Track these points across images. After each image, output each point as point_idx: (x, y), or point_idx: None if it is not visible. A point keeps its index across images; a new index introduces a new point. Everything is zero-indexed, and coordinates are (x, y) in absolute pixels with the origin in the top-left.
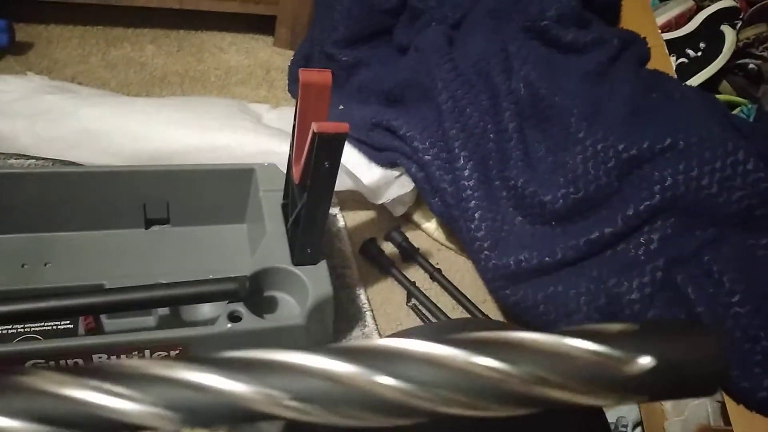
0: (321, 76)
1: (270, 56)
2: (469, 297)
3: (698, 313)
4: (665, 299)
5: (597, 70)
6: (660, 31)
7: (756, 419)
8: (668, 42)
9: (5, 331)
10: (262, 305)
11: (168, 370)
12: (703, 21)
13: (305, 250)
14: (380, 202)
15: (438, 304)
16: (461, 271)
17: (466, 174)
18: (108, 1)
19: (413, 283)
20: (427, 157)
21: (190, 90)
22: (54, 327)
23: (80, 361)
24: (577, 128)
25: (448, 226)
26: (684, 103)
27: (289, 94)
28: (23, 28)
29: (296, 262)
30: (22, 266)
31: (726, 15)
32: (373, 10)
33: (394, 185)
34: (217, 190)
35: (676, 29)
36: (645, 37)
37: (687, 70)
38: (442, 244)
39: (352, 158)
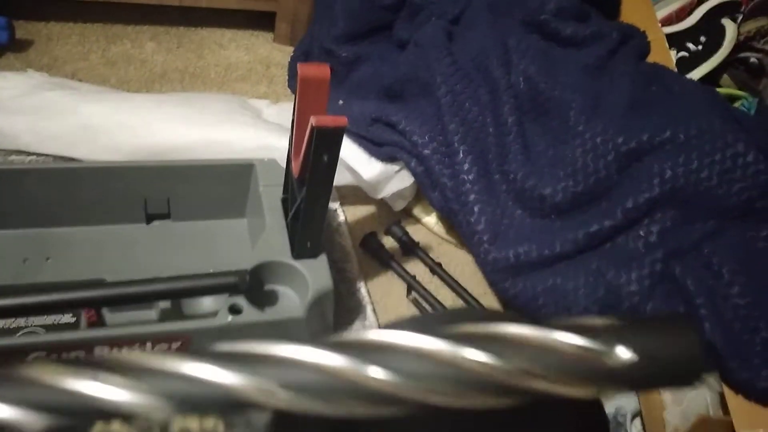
0: (319, 70)
1: (270, 52)
2: (469, 290)
3: (697, 305)
4: (664, 291)
5: (596, 64)
6: (660, 24)
7: (755, 409)
8: (669, 36)
9: (8, 326)
10: (262, 299)
11: (161, 362)
12: (703, 14)
13: (305, 244)
14: (380, 196)
15: (438, 298)
16: (461, 264)
17: (466, 168)
18: None
19: (413, 277)
20: (426, 151)
21: (190, 87)
22: (56, 321)
23: (82, 354)
24: (576, 121)
25: (448, 219)
26: (684, 96)
27: (289, 90)
28: (23, 25)
29: (296, 256)
30: (24, 261)
31: (727, 8)
32: (373, 5)
33: (393, 180)
34: (218, 185)
35: (676, 23)
36: (645, 31)
37: (687, 64)
38: (442, 238)
39: (351, 153)
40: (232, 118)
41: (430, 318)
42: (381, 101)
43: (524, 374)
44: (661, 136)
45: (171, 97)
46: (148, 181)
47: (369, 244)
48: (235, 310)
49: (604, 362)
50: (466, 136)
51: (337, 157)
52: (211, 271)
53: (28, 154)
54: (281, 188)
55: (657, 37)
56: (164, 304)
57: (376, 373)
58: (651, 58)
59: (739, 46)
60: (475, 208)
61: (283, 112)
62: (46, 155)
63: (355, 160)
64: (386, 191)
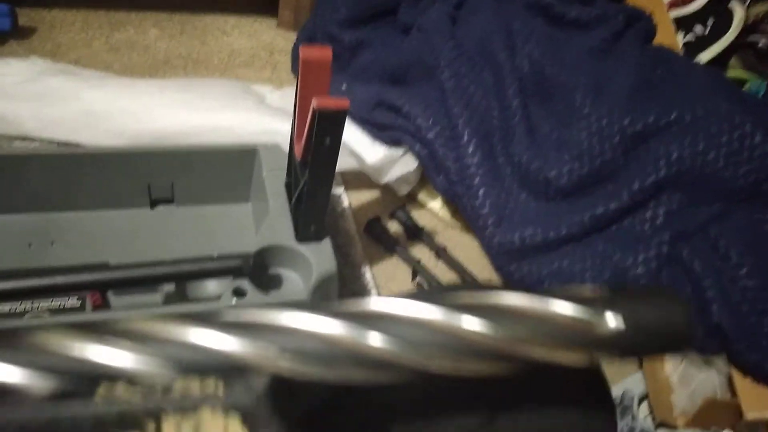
0: (321, 53)
1: (273, 38)
2: (474, 274)
3: (705, 287)
4: (671, 274)
5: (601, 47)
6: (667, 7)
7: (763, 391)
8: (676, 19)
9: (14, 309)
10: (267, 282)
11: (165, 328)
12: None
13: (309, 228)
14: (384, 181)
15: (443, 282)
16: (466, 249)
17: (470, 151)
18: None
19: (418, 261)
20: (430, 134)
21: (194, 73)
22: (62, 305)
23: None
24: (581, 104)
25: (453, 203)
26: (690, 79)
27: (293, 76)
28: (26, 12)
29: (300, 240)
30: (29, 246)
31: None
32: None
33: (397, 164)
34: (222, 170)
35: (683, 6)
36: (651, 14)
37: (695, 47)
38: (447, 223)
39: (355, 138)
40: (235, 104)
41: (429, 291)
42: (384, 85)
43: (517, 341)
44: (667, 118)
45: (173, 82)
46: (152, 166)
47: (373, 229)
48: (239, 293)
49: (594, 329)
50: (471, 119)
51: (340, 140)
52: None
53: (33, 140)
54: (285, 172)
55: (664, 19)
56: (169, 288)
57: (375, 339)
58: (657, 41)
59: (747, 30)
60: (480, 192)
61: (286, 97)
62: (50, 141)
63: (359, 145)
64: (390, 176)
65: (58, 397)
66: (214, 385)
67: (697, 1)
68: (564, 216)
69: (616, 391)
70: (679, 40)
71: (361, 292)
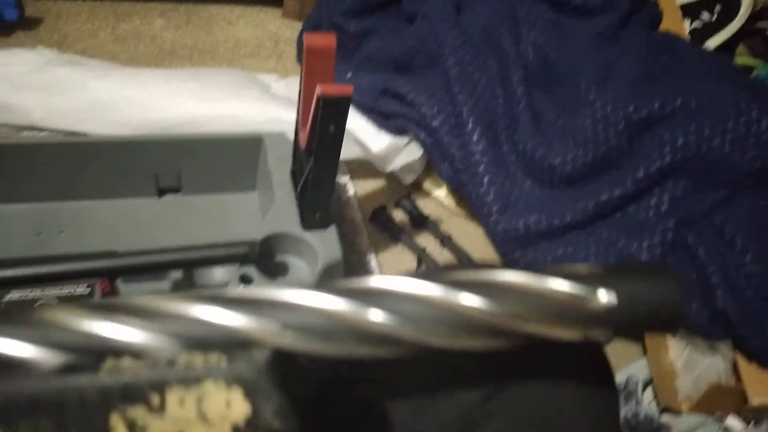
0: (325, 40)
1: (279, 28)
2: (479, 263)
3: (709, 273)
4: (676, 260)
5: (606, 33)
6: None
7: None
8: (683, 5)
9: (24, 297)
10: (273, 269)
11: (171, 304)
12: None
13: (314, 215)
14: (389, 169)
15: None
16: (471, 237)
17: (475, 138)
18: None
19: (423, 250)
20: (435, 122)
21: (200, 63)
22: (71, 292)
23: None
24: (586, 91)
25: (458, 191)
26: (696, 65)
27: (298, 65)
28: (32, 3)
29: (306, 227)
30: (38, 234)
31: None
32: None
33: (402, 152)
34: (228, 159)
35: None
36: (656, 0)
37: (702, 34)
38: (452, 211)
39: (360, 126)
40: (240, 93)
41: (429, 270)
42: (389, 74)
43: (513, 317)
44: (672, 104)
45: (179, 72)
46: (160, 155)
47: (379, 218)
48: (246, 280)
49: (587, 305)
50: (475, 107)
51: (344, 127)
52: None
53: (40, 129)
54: (290, 161)
55: (670, 6)
56: (176, 275)
57: (375, 315)
58: (664, 28)
59: (755, 16)
60: (485, 179)
61: (291, 86)
62: (57, 131)
63: (364, 133)
64: (395, 164)
65: (66, 370)
66: (217, 358)
67: None
68: (568, 203)
69: (620, 377)
70: (686, 26)
71: None
